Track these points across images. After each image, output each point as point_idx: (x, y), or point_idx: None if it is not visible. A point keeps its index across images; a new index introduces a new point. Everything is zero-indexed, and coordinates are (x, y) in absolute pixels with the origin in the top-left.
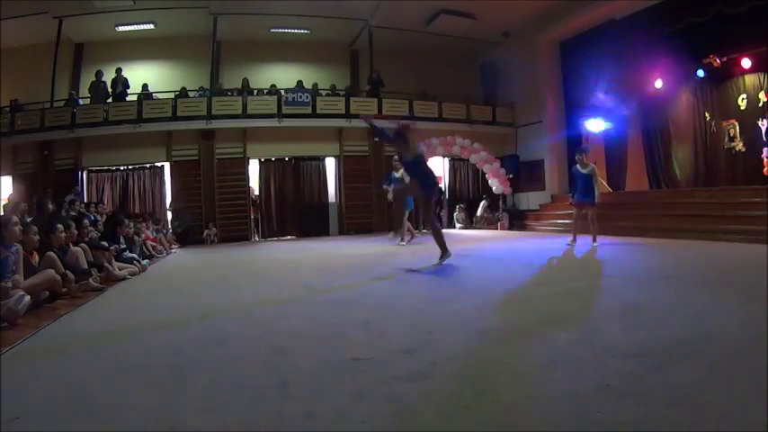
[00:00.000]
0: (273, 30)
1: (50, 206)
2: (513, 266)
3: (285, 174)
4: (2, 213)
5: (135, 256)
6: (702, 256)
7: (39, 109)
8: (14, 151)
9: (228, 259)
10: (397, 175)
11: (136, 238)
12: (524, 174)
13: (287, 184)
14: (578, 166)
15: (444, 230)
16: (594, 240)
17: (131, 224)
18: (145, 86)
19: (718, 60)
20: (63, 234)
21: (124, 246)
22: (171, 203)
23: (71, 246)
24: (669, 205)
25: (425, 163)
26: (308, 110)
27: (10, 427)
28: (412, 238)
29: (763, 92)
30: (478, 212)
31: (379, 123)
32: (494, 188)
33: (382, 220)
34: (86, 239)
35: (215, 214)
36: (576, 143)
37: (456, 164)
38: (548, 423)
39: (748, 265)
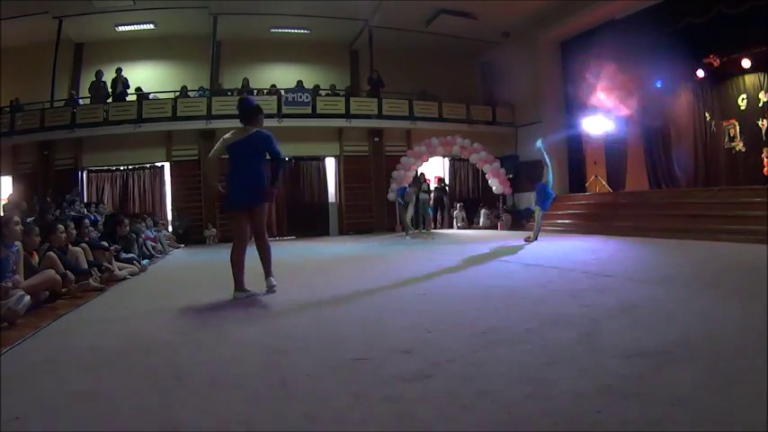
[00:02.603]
0: (273, 30)
1: (51, 206)
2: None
3: (285, 174)
4: (2, 213)
5: (134, 255)
6: (703, 256)
7: (39, 109)
8: (14, 151)
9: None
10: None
11: (133, 236)
12: (524, 174)
13: (287, 184)
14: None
15: (444, 231)
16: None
17: (128, 222)
18: (139, 89)
19: (718, 60)
20: (63, 234)
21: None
22: (172, 204)
23: (71, 246)
24: (669, 205)
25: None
26: (308, 110)
27: (10, 427)
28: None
29: (763, 92)
30: (481, 222)
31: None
32: (494, 188)
33: (382, 220)
34: (86, 239)
35: (215, 214)
36: (576, 143)
37: (456, 164)
38: (548, 423)
39: (748, 265)
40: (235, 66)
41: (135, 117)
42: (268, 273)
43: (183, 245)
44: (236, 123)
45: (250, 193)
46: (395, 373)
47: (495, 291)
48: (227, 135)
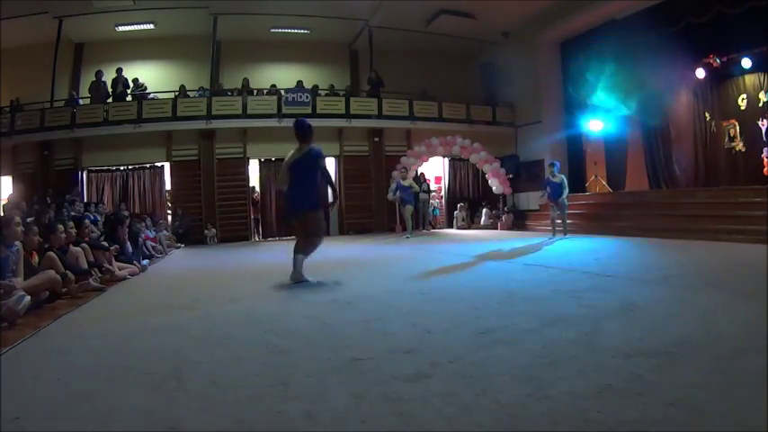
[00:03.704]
0: (273, 30)
1: (47, 209)
2: None
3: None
4: (2, 213)
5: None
6: (702, 256)
7: (39, 109)
8: (14, 151)
9: (228, 259)
10: (405, 183)
11: (125, 238)
12: (524, 174)
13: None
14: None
15: (443, 230)
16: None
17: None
18: (135, 80)
19: (718, 60)
20: (63, 234)
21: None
22: (172, 205)
23: (71, 246)
24: (669, 205)
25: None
26: (308, 110)
27: (10, 427)
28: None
29: (763, 92)
30: (482, 221)
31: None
32: (494, 188)
33: (382, 220)
34: (86, 239)
35: (215, 214)
36: (576, 143)
37: (456, 164)
38: (548, 423)
39: (748, 266)
40: (235, 66)
41: (135, 117)
42: (298, 249)
43: (182, 245)
44: (236, 123)
45: (302, 201)
46: (395, 373)
47: (495, 291)
48: (287, 157)
